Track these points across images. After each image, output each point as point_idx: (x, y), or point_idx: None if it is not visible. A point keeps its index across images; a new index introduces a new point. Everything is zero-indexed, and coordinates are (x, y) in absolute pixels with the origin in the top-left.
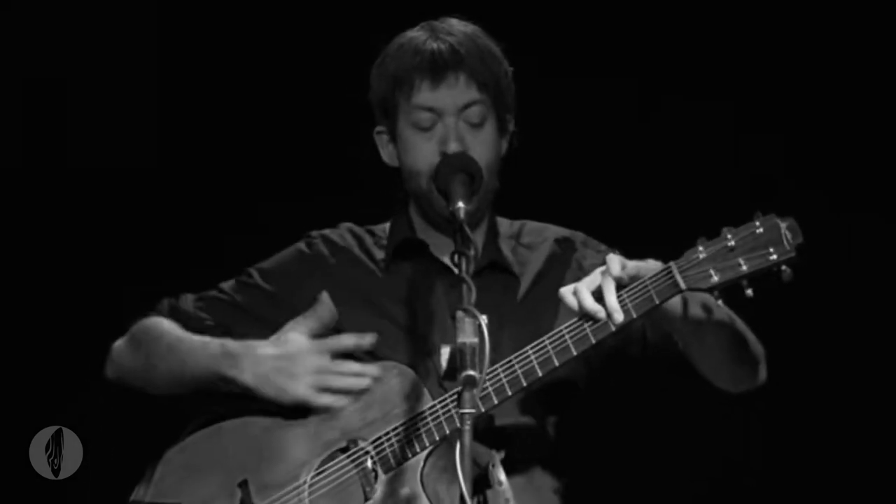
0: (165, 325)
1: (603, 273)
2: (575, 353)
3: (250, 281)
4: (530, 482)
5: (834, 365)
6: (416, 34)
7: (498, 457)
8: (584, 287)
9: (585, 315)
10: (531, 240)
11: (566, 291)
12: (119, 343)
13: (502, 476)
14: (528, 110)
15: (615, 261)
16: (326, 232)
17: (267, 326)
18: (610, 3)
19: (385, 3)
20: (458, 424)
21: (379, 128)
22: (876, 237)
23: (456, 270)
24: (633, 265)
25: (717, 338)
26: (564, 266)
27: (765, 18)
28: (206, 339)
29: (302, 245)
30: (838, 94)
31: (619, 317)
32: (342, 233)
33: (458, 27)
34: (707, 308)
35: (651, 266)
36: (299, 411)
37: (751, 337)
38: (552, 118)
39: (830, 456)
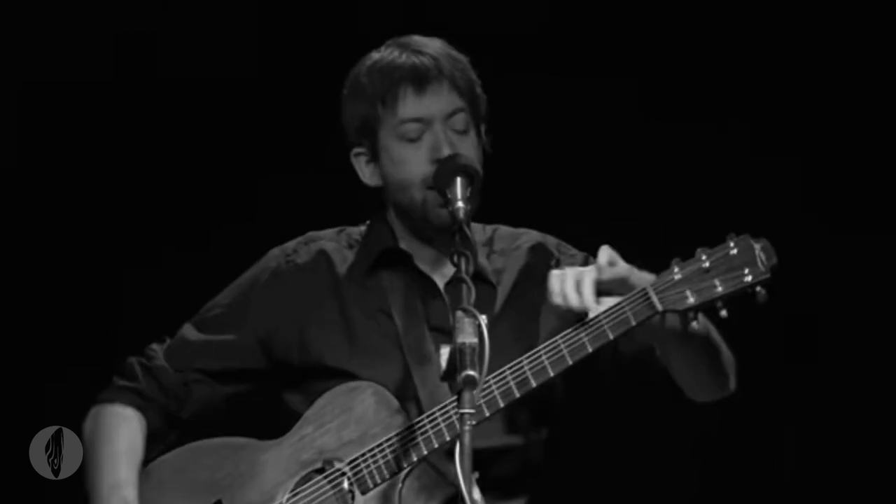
0: (121, 433)
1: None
2: (571, 363)
3: (217, 316)
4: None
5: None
6: (387, 52)
7: (473, 477)
8: (571, 275)
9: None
10: (504, 246)
11: (554, 274)
12: (88, 419)
13: (477, 495)
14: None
15: (605, 252)
16: (298, 245)
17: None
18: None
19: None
20: (458, 426)
21: (357, 149)
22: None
23: (437, 283)
24: (623, 268)
25: (696, 349)
26: (539, 278)
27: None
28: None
29: (272, 262)
30: (847, 110)
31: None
32: (317, 245)
33: (426, 41)
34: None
35: (637, 278)
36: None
37: (724, 348)
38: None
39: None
